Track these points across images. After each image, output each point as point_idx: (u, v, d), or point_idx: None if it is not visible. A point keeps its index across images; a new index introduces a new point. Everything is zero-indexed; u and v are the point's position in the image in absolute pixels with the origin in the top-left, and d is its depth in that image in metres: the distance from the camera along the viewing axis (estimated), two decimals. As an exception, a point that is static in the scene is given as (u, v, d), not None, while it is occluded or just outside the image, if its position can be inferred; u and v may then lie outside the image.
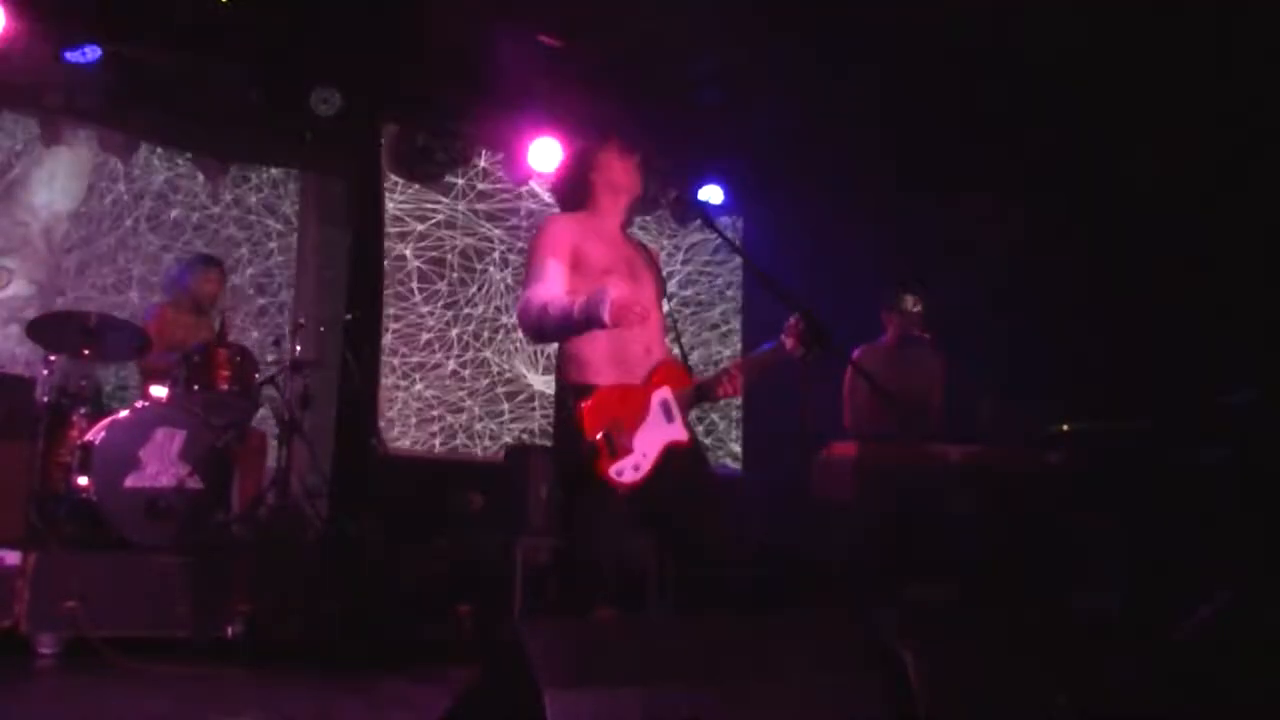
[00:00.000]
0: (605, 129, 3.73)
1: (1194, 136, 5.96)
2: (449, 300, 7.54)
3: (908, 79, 6.36)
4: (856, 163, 7.16)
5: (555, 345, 3.55)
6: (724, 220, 8.20)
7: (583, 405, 3.31)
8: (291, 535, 5.40)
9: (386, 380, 7.20)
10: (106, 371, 6.15)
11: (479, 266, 7.65)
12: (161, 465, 4.96)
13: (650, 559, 5.06)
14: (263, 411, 5.99)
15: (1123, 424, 5.47)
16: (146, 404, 5.26)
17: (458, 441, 7.46)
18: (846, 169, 7.29)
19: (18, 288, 6.48)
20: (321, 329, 6.42)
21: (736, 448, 8.48)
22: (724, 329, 8.62)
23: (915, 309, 5.97)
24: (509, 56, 6.52)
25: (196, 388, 5.30)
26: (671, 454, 3.39)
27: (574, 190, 3.66)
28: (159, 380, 5.40)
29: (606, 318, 3.19)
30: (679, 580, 3.80)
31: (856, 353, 5.86)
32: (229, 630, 4.69)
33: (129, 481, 4.88)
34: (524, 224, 7.79)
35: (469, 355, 7.57)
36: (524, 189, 7.85)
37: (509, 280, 7.69)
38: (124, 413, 5.09)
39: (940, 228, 6.92)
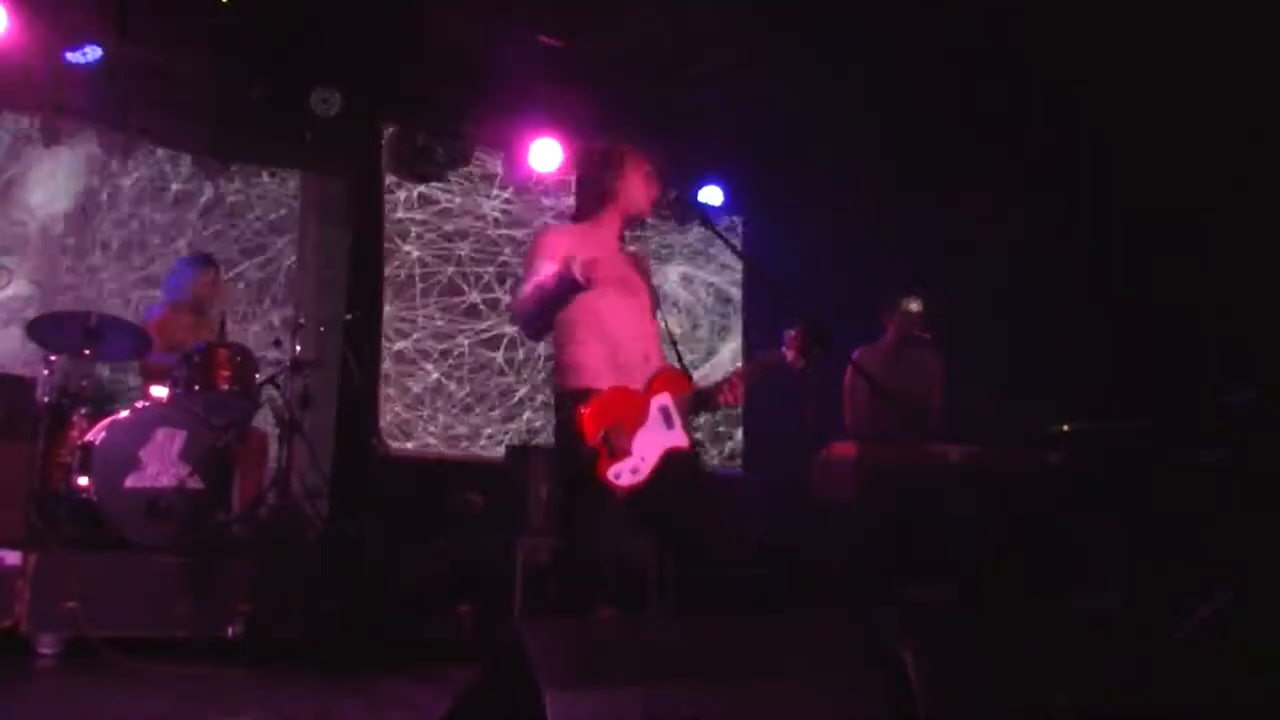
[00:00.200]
0: (624, 142, 3.71)
1: (1194, 136, 5.96)
2: (450, 300, 7.54)
3: (908, 79, 6.36)
4: (857, 163, 7.16)
5: (555, 351, 3.56)
6: (724, 221, 8.19)
7: (582, 409, 3.33)
8: (292, 535, 5.39)
9: (386, 380, 7.20)
10: (106, 371, 6.15)
11: (481, 270, 7.66)
12: (162, 465, 4.96)
13: (650, 559, 5.06)
14: (263, 411, 5.99)
15: (1123, 424, 5.47)
16: (147, 404, 5.25)
17: (457, 441, 7.46)
18: (847, 169, 7.29)
19: (18, 288, 6.48)
20: (321, 329, 6.42)
21: (737, 448, 8.48)
22: (724, 330, 8.62)
23: (915, 310, 5.97)
24: (509, 56, 6.53)
25: (197, 388, 5.29)
26: (671, 459, 3.40)
27: (590, 199, 3.66)
28: (159, 380, 5.40)
29: (578, 272, 3.22)
30: (679, 580, 3.81)
31: (856, 353, 5.86)
32: (229, 630, 4.68)
33: (129, 482, 4.88)
34: (533, 224, 7.77)
35: (469, 355, 7.57)
36: (533, 187, 7.84)
37: (513, 281, 7.69)
38: (124, 413, 5.09)
39: (940, 228, 6.92)
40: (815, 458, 5.72)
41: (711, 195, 7.91)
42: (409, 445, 7.28)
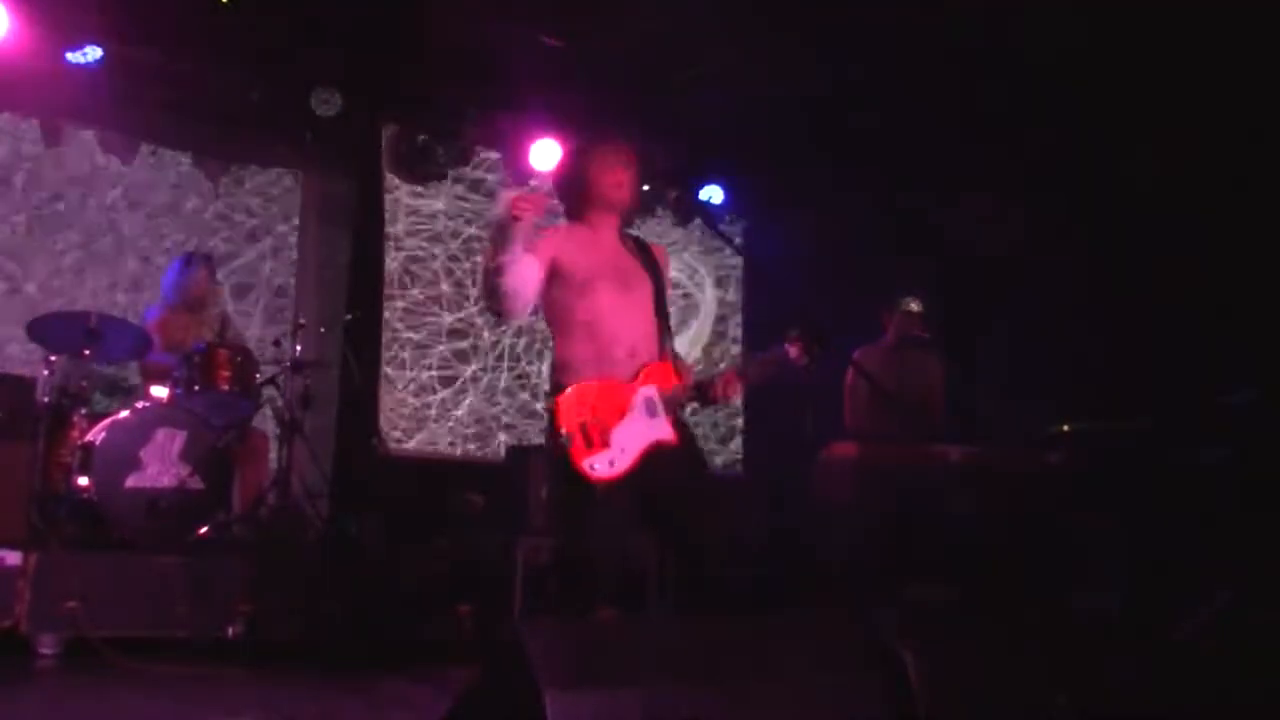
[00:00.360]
0: (593, 138, 3.70)
1: (1194, 136, 5.96)
2: (451, 301, 7.54)
3: (908, 79, 6.36)
4: (856, 163, 7.16)
5: (555, 350, 3.56)
6: (724, 220, 8.19)
7: (558, 399, 3.33)
8: (292, 535, 5.40)
9: (387, 380, 7.20)
10: (106, 372, 6.15)
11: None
12: (162, 465, 4.96)
13: (650, 559, 5.06)
14: (264, 412, 5.98)
15: (1123, 424, 5.47)
16: (147, 404, 5.25)
17: (458, 442, 7.46)
18: (846, 169, 7.29)
19: (17, 287, 6.49)
20: (322, 329, 6.42)
21: (737, 448, 8.48)
22: (724, 329, 8.62)
23: (915, 310, 5.98)
24: (509, 56, 6.53)
25: (197, 388, 5.30)
26: (660, 454, 3.37)
27: (570, 201, 3.66)
28: (159, 380, 5.40)
29: (500, 208, 3.22)
30: (679, 580, 3.79)
31: (857, 353, 5.86)
32: (229, 630, 4.67)
33: (130, 482, 4.88)
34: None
35: (470, 355, 7.57)
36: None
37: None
38: (124, 413, 5.09)
39: (940, 228, 6.92)
40: (815, 458, 5.72)
41: (711, 195, 7.91)
42: (409, 445, 7.28)
